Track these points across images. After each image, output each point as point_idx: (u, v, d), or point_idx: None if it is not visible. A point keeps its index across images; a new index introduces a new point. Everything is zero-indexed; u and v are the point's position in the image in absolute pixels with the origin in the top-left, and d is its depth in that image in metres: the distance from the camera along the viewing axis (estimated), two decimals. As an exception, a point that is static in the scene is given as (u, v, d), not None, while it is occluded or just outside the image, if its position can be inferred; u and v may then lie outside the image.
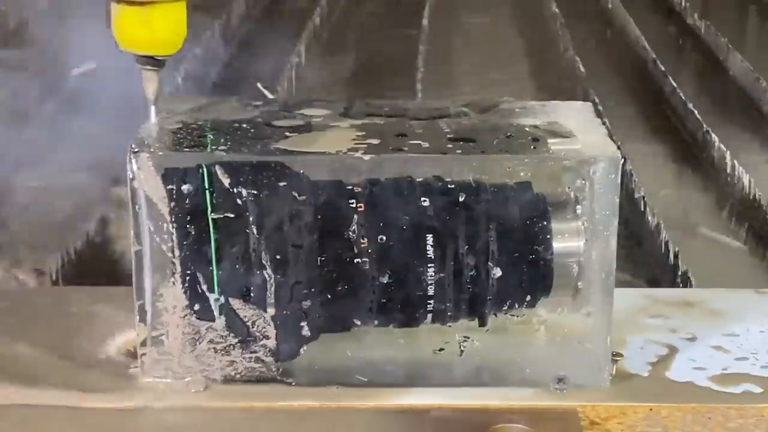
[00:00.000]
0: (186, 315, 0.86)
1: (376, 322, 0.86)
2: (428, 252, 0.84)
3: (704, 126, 1.71)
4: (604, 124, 0.95)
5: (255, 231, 0.83)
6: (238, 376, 0.87)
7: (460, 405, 0.87)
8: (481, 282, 0.85)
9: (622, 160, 0.86)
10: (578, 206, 0.85)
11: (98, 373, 0.90)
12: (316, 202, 0.83)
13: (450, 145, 0.87)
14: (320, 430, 0.85)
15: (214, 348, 0.86)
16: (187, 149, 0.85)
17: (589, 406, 0.87)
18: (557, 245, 0.85)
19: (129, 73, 0.93)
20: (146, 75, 0.89)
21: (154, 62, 0.89)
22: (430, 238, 0.84)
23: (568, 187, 0.85)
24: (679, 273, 1.27)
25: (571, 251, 0.85)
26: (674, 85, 1.92)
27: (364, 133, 0.89)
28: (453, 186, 0.85)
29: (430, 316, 0.85)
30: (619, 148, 0.87)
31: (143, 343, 0.87)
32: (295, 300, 0.84)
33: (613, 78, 2.14)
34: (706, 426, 0.85)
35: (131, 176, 0.84)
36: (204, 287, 0.85)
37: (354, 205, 0.83)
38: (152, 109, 0.90)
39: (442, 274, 0.84)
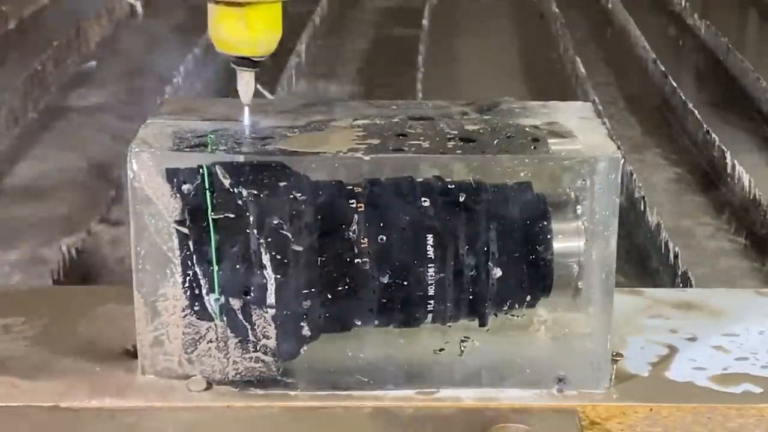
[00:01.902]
0: (186, 315, 0.86)
1: (376, 322, 0.86)
2: (428, 252, 0.84)
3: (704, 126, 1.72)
4: (604, 124, 0.95)
5: (255, 231, 0.83)
6: (238, 376, 0.87)
7: (460, 405, 0.87)
8: (481, 282, 0.85)
9: (623, 160, 0.86)
10: (578, 206, 0.85)
11: (98, 373, 0.90)
12: (316, 202, 0.83)
13: (450, 145, 0.87)
14: (320, 430, 0.85)
15: (214, 348, 0.86)
16: (188, 149, 0.85)
17: (589, 406, 0.87)
18: (557, 245, 0.85)
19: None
20: (242, 76, 0.89)
21: (250, 63, 0.88)
22: (430, 238, 0.84)
23: (569, 188, 0.85)
24: (679, 273, 1.28)
25: (571, 251, 0.85)
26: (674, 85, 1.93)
27: (364, 133, 0.89)
28: (453, 186, 0.85)
29: (430, 316, 0.85)
30: (619, 147, 0.87)
31: (143, 343, 0.87)
32: (296, 300, 0.84)
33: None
34: (706, 426, 0.85)
35: (132, 176, 0.84)
36: (204, 287, 0.85)
37: (354, 205, 0.83)
38: (246, 110, 0.90)
39: (442, 274, 0.84)
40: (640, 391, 0.89)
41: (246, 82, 0.89)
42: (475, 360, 0.88)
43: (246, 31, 0.87)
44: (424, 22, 2.34)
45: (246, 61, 0.88)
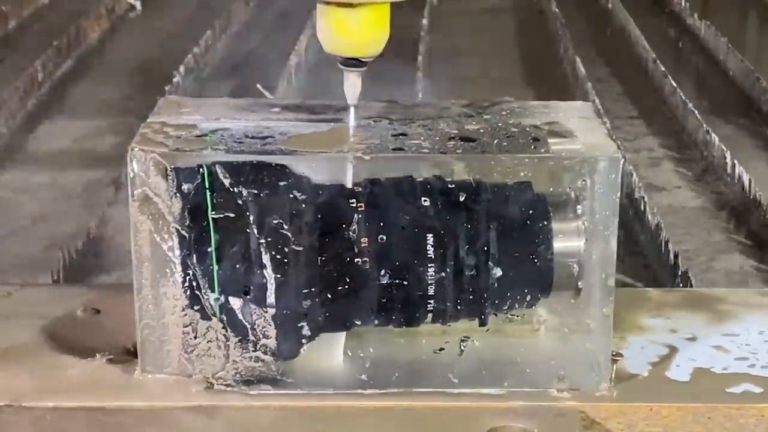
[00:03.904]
0: (186, 314, 0.86)
1: (376, 321, 0.86)
2: (428, 252, 0.84)
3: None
4: (604, 123, 0.95)
5: (255, 230, 0.83)
6: (238, 375, 0.87)
7: (460, 405, 0.86)
8: (481, 282, 0.85)
9: (623, 159, 0.86)
10: (578, 206, 0.85)
11: (98, 373, 0.90)
12: (316, 201, 0.83)
13: (450, 145, 0.87)
14: (320, 430, 0.85)
15: (214, 347, 0.86)
16: (188, 149, 0.85)
17: (590, 405, 0.87)
18: (557, 245, 0.85)
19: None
20: (348, 77, 0.89)
21: (358, 64, 0.88)
22: (430, 238, 0.84)
23: (569, 187, 0.85)
24: (679, 273, 1.27)
25: (571, 251, 0.85)
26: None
27: (364, 132, 0.89)
28: (453, 186, 0.85)
29: (430, 315, 0.85)
30: (619, 147, 0.87)
31: (143, 343, 0.87)
32: (296, 299, 0.84)
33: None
34: (706, 426, 0.85)
35: (131, 175, 0.84)
36: (204, 287, 0.85)
37: (354, 205, 0.83)
38: (352, 110, 0.90)
39: (442, 274, 0.84)
40: (640, 390, 0.89)
41: (352, 82, 0.89)
42: (475, 360, 0.88)
43: (357, 31, 0.87)
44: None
45: (354, 62, 0.88)
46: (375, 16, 0.87)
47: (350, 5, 0.86)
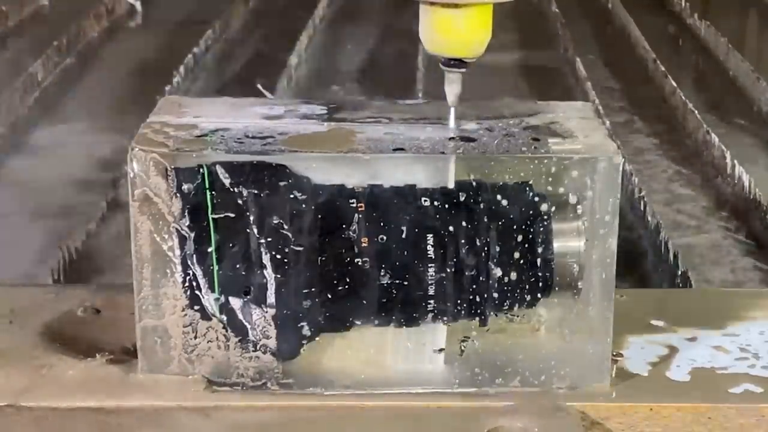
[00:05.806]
0: (186, 314, 0.86)
1: (376, 321, 0.86)
2: (428, 252, 0.84)
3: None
4: (604, 124, 0.95)
5: (255, 230, 0.83)
6: (238, 375, 0.87)
7: (459, 405, 0.87)
8: (482, 282, 0.85)
9: (623, 160, 0.86)
10: (578, 206, 0.85)
11: (98, 373, 0.90)
12: (316, 201, 0.83)
13: (450, 145, 0.87)
14: (320, 430, 0.85)
15: (215, 347, 0.86)
16: (188, 149, 0.85)
17: (590, 405, 0.87)
18: (557, 245, 0.85)
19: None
20: (450, 77, 0.89)
21: (460, 64, 0.88)
22: (430, 238, 0.84)
23: (569, 187, 0.85)
24: (679, 273, 1.28)
25: (571, 251, 0.85)
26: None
27: (364, 132, 0.89)
28: (453, 186, 0.85)
29: (430, 315, 0.85)
30: (619, 147, 0.87)
31: (143, 342, 0.87)
32: (296, 299, 0.84)
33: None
34: (706, 426, 0.85)
35: (132, 175, 0.84)
36: (204, 287, 0.85)
37: (354, 205, 0.83)
38: (452, 111, 0.90)
39: (442, 274, 0.84)
40: (640, 391, 0.89)
41: (454, 83, 0.89)
42: (475, 360, 0.88)
43: (462, 32, 0.86)
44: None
45: (456, 62, 0.88)
46: (479, 16, 0.86)
47: (455, 6, 0.86)
